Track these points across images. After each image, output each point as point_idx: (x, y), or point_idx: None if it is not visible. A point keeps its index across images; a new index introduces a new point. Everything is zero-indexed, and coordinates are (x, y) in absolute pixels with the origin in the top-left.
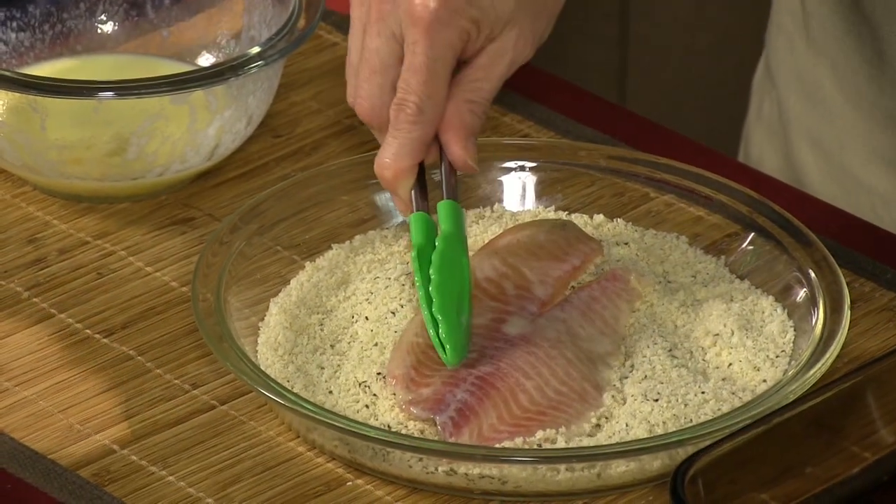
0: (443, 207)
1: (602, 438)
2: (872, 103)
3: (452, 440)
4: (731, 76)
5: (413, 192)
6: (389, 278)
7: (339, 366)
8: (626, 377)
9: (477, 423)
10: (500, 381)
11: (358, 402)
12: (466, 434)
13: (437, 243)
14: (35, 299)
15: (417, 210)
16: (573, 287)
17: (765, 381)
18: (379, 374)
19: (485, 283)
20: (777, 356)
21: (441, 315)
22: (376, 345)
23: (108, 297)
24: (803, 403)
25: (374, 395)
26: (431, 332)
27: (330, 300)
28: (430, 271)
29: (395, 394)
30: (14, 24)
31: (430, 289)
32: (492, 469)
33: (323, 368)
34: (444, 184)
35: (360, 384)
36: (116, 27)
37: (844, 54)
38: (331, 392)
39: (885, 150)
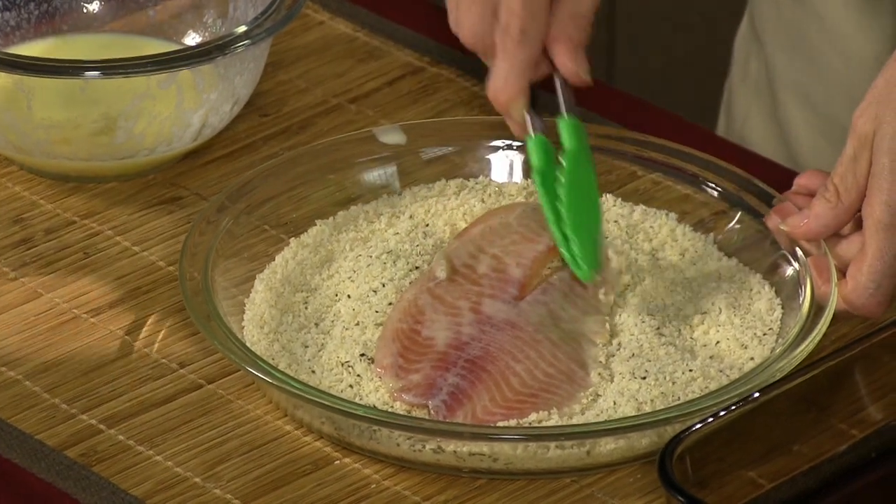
0: (564, 124)
1: (590, 416)
2: (861, 54)
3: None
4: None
5: (528, 114)
6: (371, 256)
7: (322, 345)
8: (614, 355)
9: (470, 405)
10: (491, 365)
11: (342, 382)
12: (460, 417)
13: (563, 161)
14: (22, 279)
15: (534, 132)
16: (550, 269)
17: (752, 358)
18: (363, 355)
19: (462, 268)
20: (765, 333)
21: (574, 234)
22: (358, 324)
23: (95, 276)
24: (791, 381)
25: (359, 375)
26: (563, 250)
27: (314, 278)
28: (560, 190)
29: (383, 382)
30: None
31: (562, 208)
32: (482, 447)
33: (307, 347)
34: (562, 100)
35: (342, 364)
36: (102, 6)
37: (831, 4)
38: (314, 371)
39: None
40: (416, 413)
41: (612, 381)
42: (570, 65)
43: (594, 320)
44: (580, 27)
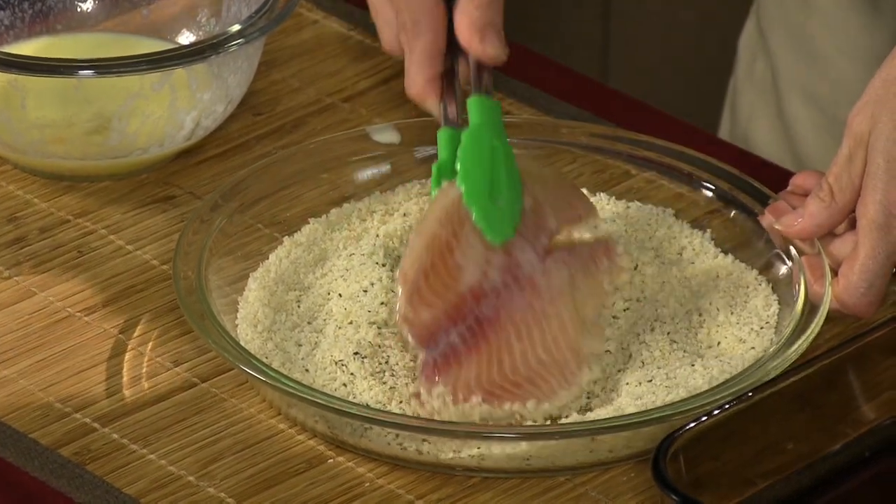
0: (470, 103)
1: (590, 415)
2: (866, 54)
3: (424, 385)
4: (714, 50)
5: (441, 107)
6: (363, 254)
7: (316, 343)
8: (623, 369)
9: (455, 374)
10: (493, 335)
11: (335, 380)
12: (440, 384)
13: (462, 137)
14: (16, 278)
15: (444, 125)
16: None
17: (753, 348)
18: (356, 353)
19: None
20: (762, 327)
21: (470, 203)
22: (351, 323)
23: (88, 275)
24: (784, 380)
25: (352, 373)
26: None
27: (308, 277)
28: (457, 164)
29: (400, 292)
30: None
31: (458, 180)
32: (473, 448)
33: (300, 346)
34: (473, 81)
35: (336, 362)
36: (96, 5)
37: (837, 5)
38: (307, 370)
39: None
40: (404, 408)
41: (619, 387)
42: (476, 45)
43: (597, 305)
44: (481, 7)
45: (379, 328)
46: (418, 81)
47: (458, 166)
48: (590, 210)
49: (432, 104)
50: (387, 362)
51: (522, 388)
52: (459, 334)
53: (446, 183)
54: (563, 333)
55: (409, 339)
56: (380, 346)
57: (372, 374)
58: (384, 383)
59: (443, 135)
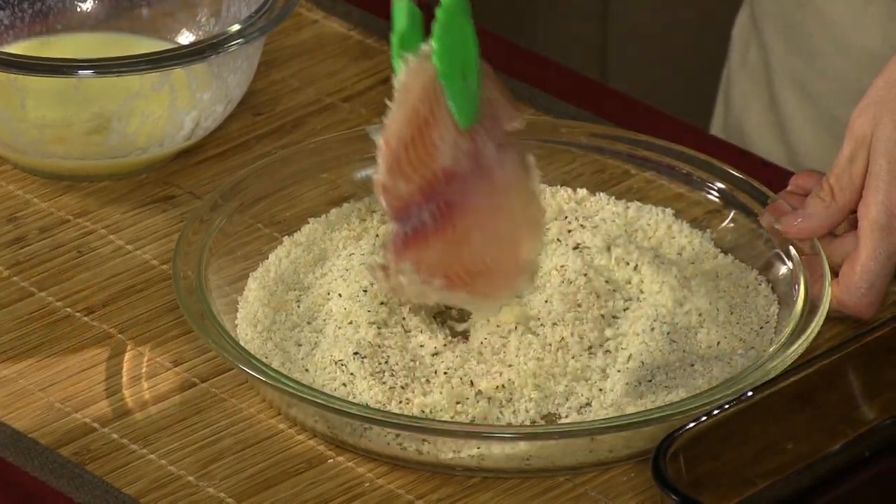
0: None
1: (590, 414)
2: (857, 46)
3: (392, 258)
4: (714, 50)
5: None
6: (363, 254)
7: (315, 343)
8: (623, 368)
9: (421, 253)
10: (459, 220)
11: (335, 380)
12: (406, 261)
13: (437, 14)
14: (15, 278)
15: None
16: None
17: (753, 348)
18: (356, 353)
19: None
20: (761, 327)
21: (445, 80)
22: (351, 323)
23: (88, 275)
24: (784, 380)
25: (352, 373)
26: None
27: (307, 277)
28: (431, 40)
29: (380, 161)
30: None
31: (433, 58)
32: (473, 448)
33: (300, 345)
34: None
35: (336, 362)
36: (96, 5)
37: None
38: (307, 370)
39: None
40: (402, 408)
41: (617, 385)
42: None
43: (538, 208)
44: None
45: (379, 328)
46: None
47: (435, 43)
48: (516, 115)
49: None
50: (386, 362)
51: (475, 281)
52: (430, 213)
53: (412, 56)
54: (512, 231)
55: (384, 205)
56: (380, 346)
57: (372, 374)
58: (384, 383)
59: (401, 4)
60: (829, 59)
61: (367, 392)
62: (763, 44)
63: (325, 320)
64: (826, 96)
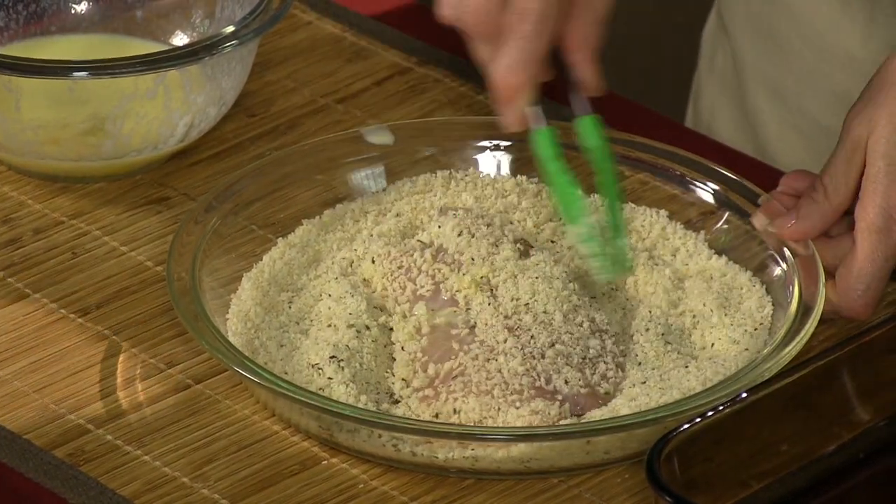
0: (586, 122)
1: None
2: (831, 45)
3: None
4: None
5: (534, 108)
6: (357, 257)
7: (297, 346)
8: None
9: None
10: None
11: (311, 384)
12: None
13: (592, 160)
14: (10, 279)
15: (543, 124)
16: None
17: (746, 349)
18: (332, 357)
19: None
20: (756, 329)
21: (617, 229)
22: (330, 325)
23: (83, 276)
24: (779, 381)
25: (329, 378)
26: (595, 245)
27: (301, 278)
28: (601, 186)
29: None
30: None
31: (606, 203)
32: (467, 450)
33: (282, 346)
34: (578, 102)
35: (312, 366)
36: (90, 7)
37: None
38: (286, 372)
39: (845, 92)
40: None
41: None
42: (589, 75)
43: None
44: (599, 35)
45: (358, 331)
46: (523, 75)
47: (608, 190)
48: None
49: (524, 101)
50: (360, 366)
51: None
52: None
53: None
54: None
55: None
56: (357, 351)
57: (352, 379)
58: (359, 389)
59: (547, 133)
60: (804, 61)
61: (342, 398)
62: (733, 45)
63: (311, 322)
64: (798, 95)
